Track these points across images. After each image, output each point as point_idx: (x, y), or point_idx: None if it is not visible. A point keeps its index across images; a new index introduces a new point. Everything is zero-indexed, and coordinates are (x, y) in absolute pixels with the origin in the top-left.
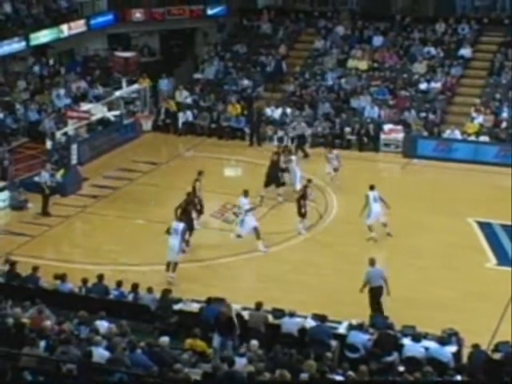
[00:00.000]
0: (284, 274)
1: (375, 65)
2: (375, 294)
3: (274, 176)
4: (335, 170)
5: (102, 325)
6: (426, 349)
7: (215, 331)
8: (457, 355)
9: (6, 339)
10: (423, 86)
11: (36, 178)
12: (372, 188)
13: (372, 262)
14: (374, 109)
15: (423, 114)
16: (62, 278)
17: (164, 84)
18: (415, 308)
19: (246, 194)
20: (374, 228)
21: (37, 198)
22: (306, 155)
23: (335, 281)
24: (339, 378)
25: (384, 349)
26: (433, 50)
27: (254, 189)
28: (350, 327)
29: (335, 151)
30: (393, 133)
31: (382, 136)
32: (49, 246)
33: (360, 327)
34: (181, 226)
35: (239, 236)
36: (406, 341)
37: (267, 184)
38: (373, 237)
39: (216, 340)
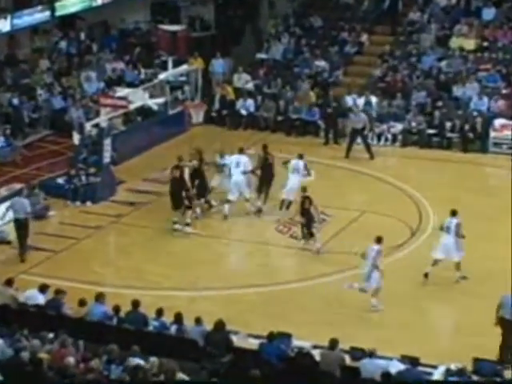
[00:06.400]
0: (364, 304)
1: (485, 44)
2: (507, 328)
3: (178, 196)
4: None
5: (136, 362)
6: None
7: None
8: None
9: (20, 378)
10: None
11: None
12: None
13: None
14: (483, 99)
15: None
16: (98, 298)
17: (219, 65)
18: None
19: (379, 240)
20: None
21: (59, 204)
22: (371, 156)
23: (430, 314)
24: None
25: None
26: None
27: (330, 198)
28: (448, 373)
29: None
30: (505, 130)
31: (492, 133)
32: (75, 263)
33: (460, 373)
34: (454, 221)
35: (363, 290)
36: None
37: (176, 207)
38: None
39: None
